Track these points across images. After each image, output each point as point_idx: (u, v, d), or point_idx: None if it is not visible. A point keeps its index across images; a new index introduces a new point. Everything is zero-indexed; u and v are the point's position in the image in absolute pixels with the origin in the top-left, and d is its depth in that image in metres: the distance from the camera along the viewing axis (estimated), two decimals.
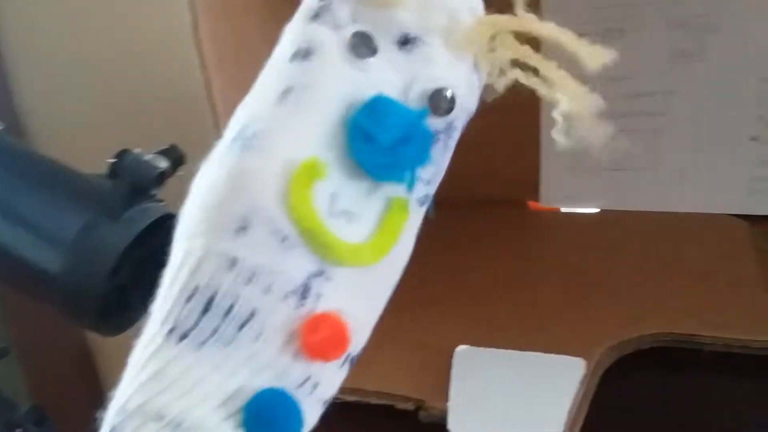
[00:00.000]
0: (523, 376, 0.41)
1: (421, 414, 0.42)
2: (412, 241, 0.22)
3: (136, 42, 0.64)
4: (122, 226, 0.33)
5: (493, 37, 0.21)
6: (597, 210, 0.62)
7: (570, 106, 0.21)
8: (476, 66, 0.22)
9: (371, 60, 0.20)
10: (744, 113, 0.55)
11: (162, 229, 0.34)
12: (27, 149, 0.40)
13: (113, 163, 0.36)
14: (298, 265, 0.19)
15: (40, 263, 0.34)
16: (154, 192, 0.36)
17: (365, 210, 0.21)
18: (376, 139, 0.20)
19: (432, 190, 0.22)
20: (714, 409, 0.40)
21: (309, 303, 0.20)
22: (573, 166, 0.61)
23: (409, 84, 0.21)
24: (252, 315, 0.19)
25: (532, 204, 0.64)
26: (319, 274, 0.20)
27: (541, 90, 0.21)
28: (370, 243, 0.21)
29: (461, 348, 0.44)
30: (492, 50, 0.21)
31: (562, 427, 0.37)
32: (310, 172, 0.20)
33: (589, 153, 0.65)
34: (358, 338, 0.21)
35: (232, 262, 0.19)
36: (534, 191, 0.63)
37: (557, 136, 0.21)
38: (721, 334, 0.43)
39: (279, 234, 0.19)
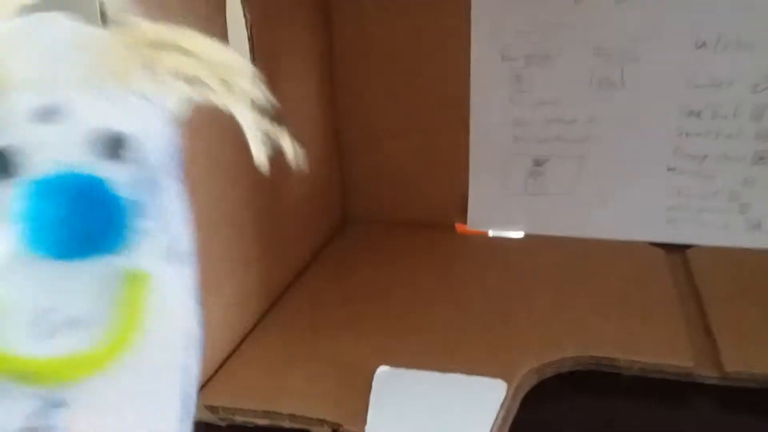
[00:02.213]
0: (444, 398, 0.40)
1: None
2: (180, 305, 0.19)
3: None
4: None
5: (143, 50, 0.18)
6: (523, 235, 0.62)
7: (245, 116, 0.18)
8: (138, 90, 0.18)
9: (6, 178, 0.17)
10: (662, 144, 0.57)
11: None
12: None
13: None
14: (14, 410, 0.16)
15: None
16: None
17: (92, 305, 0.17)
18: (48, 222, 0.17)
19: (179, 237, 0.19)
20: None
21: None
22: (500, 190, 0.62)
23: (70, 147, 0.18)
24: None
25: (459, 227, 0.64)
26: (47, 407, 0.16)
27: (215, 99, 0.18)
28: (106, 340, 0.17)
29: (381, 369, 0.43)
30: (147, 66, 0.18)
31: None
32: None
33: (514, 177, 0.65)
34: None
35: None
36: (463, 214, 0.63)
37: (256, 151, 0.19)
38: (638, 359, 0.44)
39: None
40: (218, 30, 0.18)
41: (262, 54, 0.20)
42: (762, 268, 0.54)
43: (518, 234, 0.62)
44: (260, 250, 0.51)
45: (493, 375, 0.42)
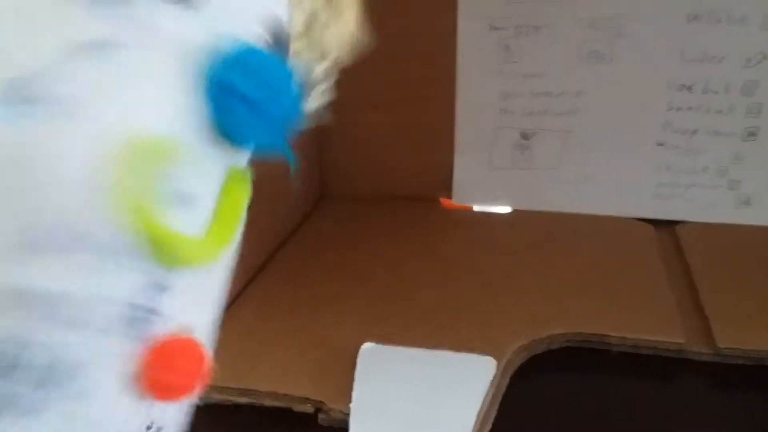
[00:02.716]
0: (431, 376, 0.39)
1: (321, 417, 0.39)
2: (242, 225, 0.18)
3: None
4: None
5: None
6: (509, 210, 0.61)
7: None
8: None
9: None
10: (651, 118, 0.56)
11: None
12: None
13: None
14: (121, 281, 0.14)
15: None
16: None
17: (203, 189, 0.16)
18: (247, 97, 0.15)
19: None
20: (621, 409, 0.39)
21: (143, 329, 0.15)
22: (486, 164, 0.60)
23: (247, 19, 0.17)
24: (52, 366, 0.14)
25: (444, 201, 0.62)
26: (152, 288, 0.15)
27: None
28: (211, 232, 0.16)
29: (366, 345, 0.41)
30: None
31: (470, 429, 0.35)
32: (163, 153, 0.14)
33: (501, 151, 0.63)
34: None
35: (19, 296, 0.13)
36: (447, 188, 0.61)
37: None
38: (629, 335, 0.43)
39: (99, 245, 0.14)
40: None
41: None
42: (751, 243, 0.53)
43: (504, 209, 0.61)
44: None
45: (482, 352, 0.40)
